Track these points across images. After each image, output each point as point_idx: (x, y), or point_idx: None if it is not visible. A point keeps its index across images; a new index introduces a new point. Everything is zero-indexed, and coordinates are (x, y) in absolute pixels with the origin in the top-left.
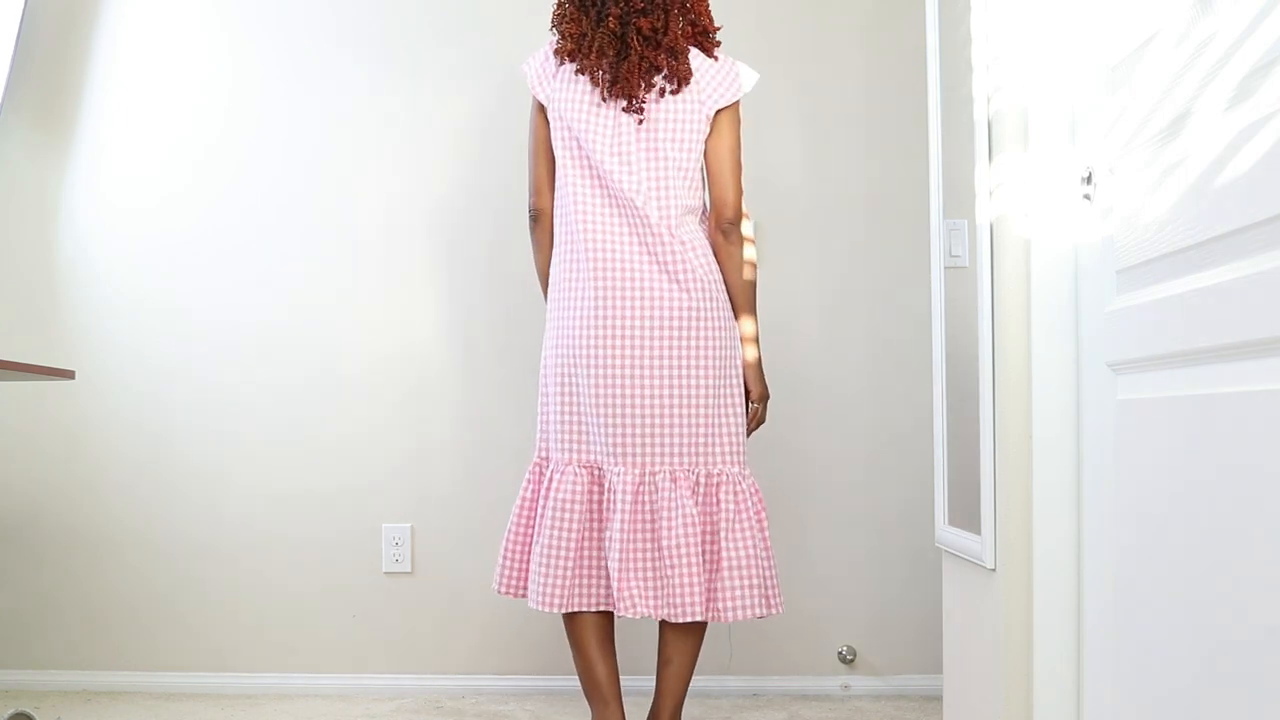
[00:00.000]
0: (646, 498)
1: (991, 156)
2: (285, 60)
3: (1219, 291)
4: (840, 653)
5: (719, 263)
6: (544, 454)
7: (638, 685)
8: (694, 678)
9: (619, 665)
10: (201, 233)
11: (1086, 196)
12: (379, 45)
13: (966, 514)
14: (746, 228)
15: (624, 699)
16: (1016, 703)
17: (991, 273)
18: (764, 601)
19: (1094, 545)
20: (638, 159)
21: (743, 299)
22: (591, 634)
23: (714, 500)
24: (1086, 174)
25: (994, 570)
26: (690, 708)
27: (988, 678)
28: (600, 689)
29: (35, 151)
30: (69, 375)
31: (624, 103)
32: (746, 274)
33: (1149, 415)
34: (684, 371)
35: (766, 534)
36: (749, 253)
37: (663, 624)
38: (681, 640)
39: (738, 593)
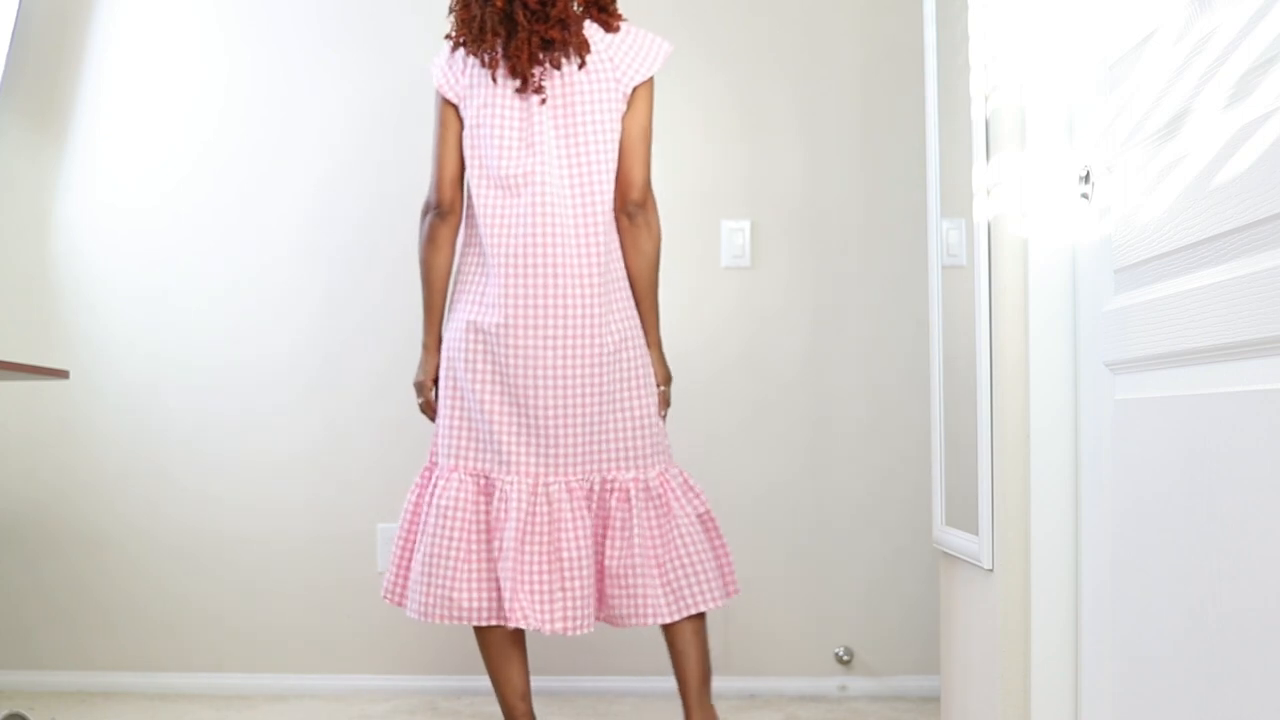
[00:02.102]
0: (541, 508)
1: (989, 155)
2: (279, 60)
3: (1217, 291)
4: (837, 653)
5: (622, 246)
6: (434, 459)
7: (651, 687)
8: None
9: (642, 666)
10: (197, 232)
11: (1084, 196)
12: (377, 45)
13: (964, 514)
14: (653, 209)
15: (652, 701)
16: (1014, 703)
17: (989, 272)
18: (663, 607)
19: (1091, 545)
20: (553, 146)
21: (645, 283)
22: (500, 648)
23: (606, 507)
24: (1084, 173)
25: (991, 570)
26: None
27: (985, 678)
28: (512, 701)
29: (30, 152)
30: (64, 375)
31: (517, 84)
32: (653, 257)
33: (1147, 415)
34: (576, 379)
35: (677, 534)
36: (654, 232)
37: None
38: (681, 632)
39: (615, 600)
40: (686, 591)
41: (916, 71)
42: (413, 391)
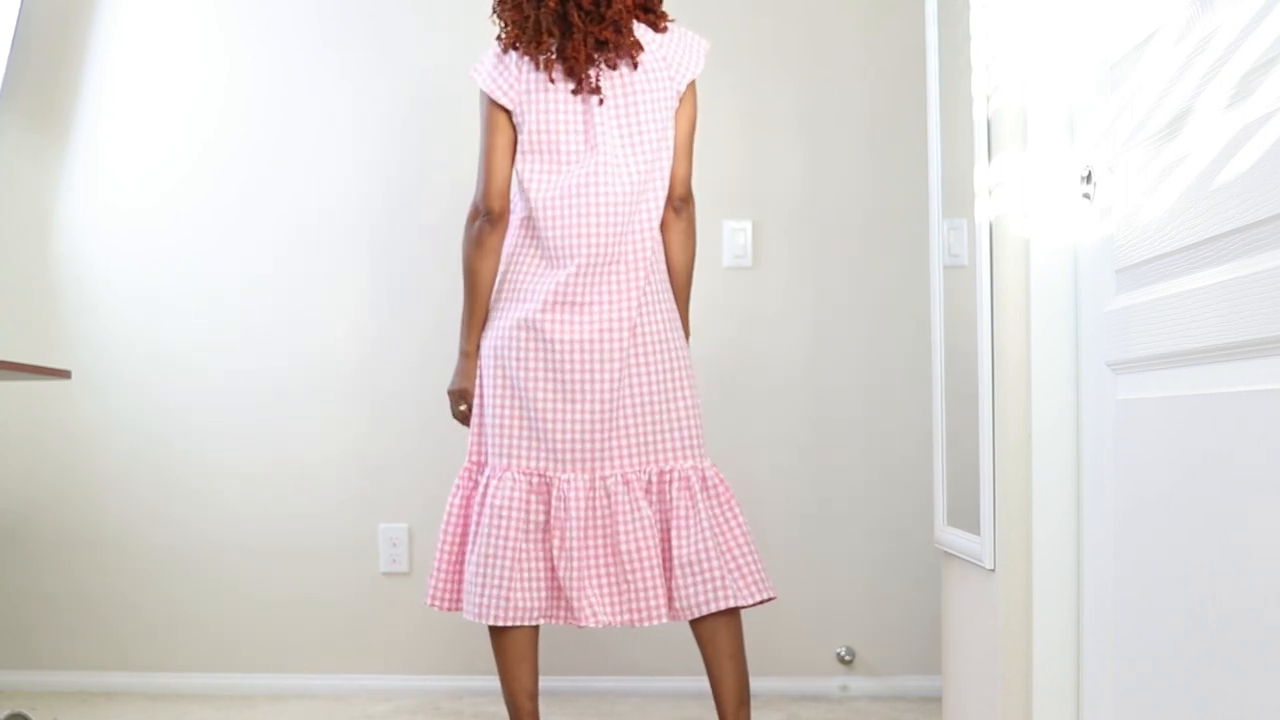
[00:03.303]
0: (600, 503)
1: (991, 155)
2: (279, 60)
3: (1218, 291)
4: (839, 653)
5: (667, 240)
6: (476, 458)
7: (654, 687)
8: (691, 678)
9: (644, 666)
10: (198, 232)
11: (1086, 196)
12: (377, 45)
13: (966, 514)
14: (694, 205)
15: (654, 701)
16: (1015, 703)
17: (991, 272)
18: (722, 595)
19: (1093, 545)
20: (617, 147)
21: (686, 277)
22: (518, 648)
23: (666, 498)
24: (1086, 173)
25: (993, 571)
26: (689, 708)
27: (987, 678)
28: (519, 705)
29: (32, 152)
30: (65, 375)
31: (573, 85)
32: (693, 253)
33: (1149, 415)
34: (629, 371)
35: (735, 523)
36: (694, 229)
37: (694, 626)
38: (716, 636)
39: (690, 590)
40: (752, 578)
41: (918, 72)
42: (414, 394)
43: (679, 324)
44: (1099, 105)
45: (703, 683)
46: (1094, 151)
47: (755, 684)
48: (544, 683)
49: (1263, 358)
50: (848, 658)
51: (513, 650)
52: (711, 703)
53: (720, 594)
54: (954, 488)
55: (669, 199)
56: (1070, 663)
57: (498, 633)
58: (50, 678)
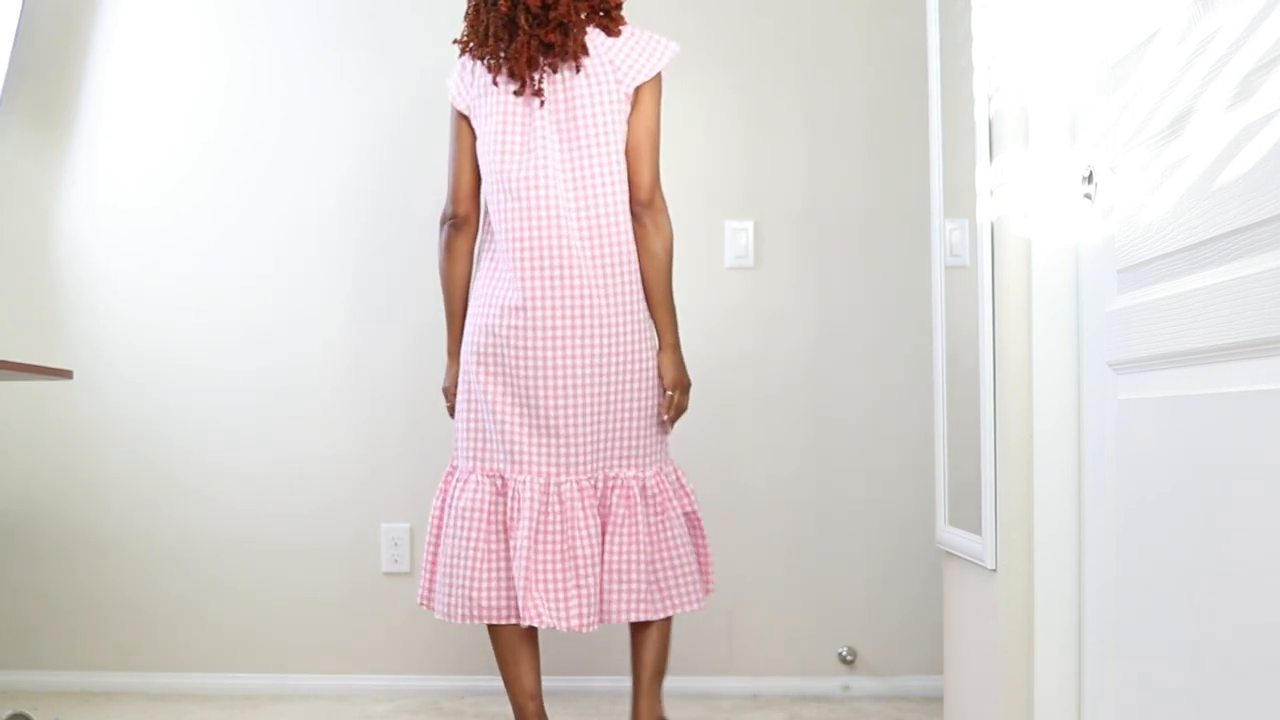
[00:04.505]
0: (554, 507)
1: (992, 156)
2: (280, 61)
3: (1219, 291)
4: (841, 654)
5: (635, 246)
6: (457, 461)
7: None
8: (693, 678)
9: (620, 665)
10: (198, 232)
11: (1087, 196)
12: (377, 45)
13: (967, 514)
14: (661, 210)
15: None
16: (1017, 703)
17: (992, 273)
18: (648, 604)
19: (1095, 545)
20: (555, 150)
21: (655, 284)
22: (510, 647)
23: (607, 505)
24: (1087, 173)
25: (994, 571)
26: (690, 708)
27: (988, 678)
28: (521, 706)
29: (33, 152)
30: (67, 375)
31: (516, 86)
32: (662, 258)
33: (1150, 415)
34: (584, 379)
35: (672, 532)
36: (663, 233)
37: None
38: (648, 624)
39: (614, 596)
40: (672, 591)
41: (920, 72)
42: (416, 394)
43: (641, 331)
44: (1100, 105)
45: (704, 683)
46: (1095, 152)
47: (757, 684)
48: (544, 683)
49: (1264, 358)
50: (849, 658)
51: (506, 650)
52: (712, 702)
53: (640, 606)
54: (955, 487)
55: (630, 204)
56: (1072, 663)
57: (493, 633)
58: (52, 678)
